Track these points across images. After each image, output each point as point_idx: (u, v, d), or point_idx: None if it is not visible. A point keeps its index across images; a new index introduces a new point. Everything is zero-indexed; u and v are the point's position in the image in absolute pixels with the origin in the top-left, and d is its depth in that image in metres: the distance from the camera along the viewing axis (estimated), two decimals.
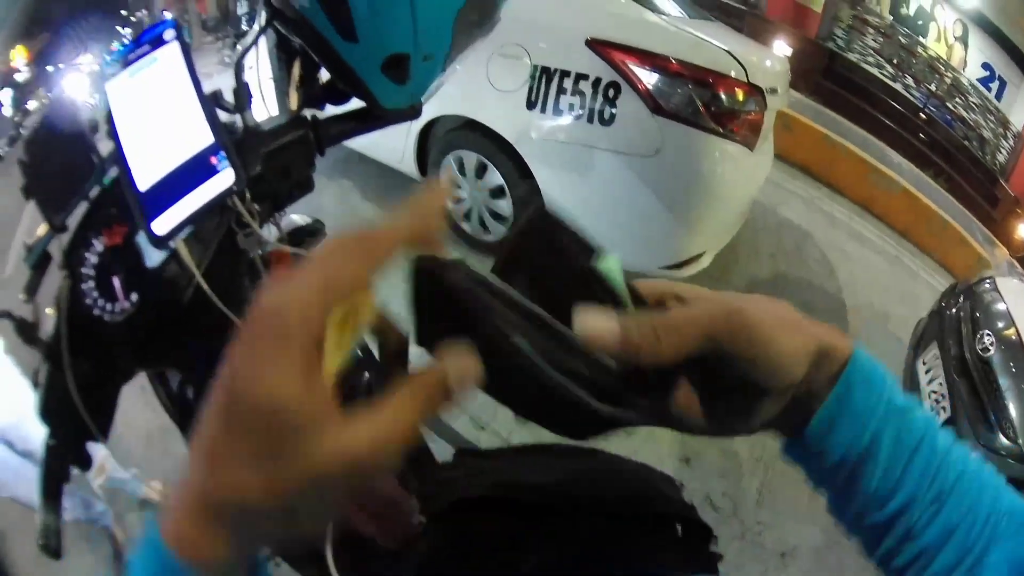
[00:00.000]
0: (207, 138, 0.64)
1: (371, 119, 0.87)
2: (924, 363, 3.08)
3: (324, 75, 0.85)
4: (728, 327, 0.41)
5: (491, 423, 2.65)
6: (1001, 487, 0.46)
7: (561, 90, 2.96)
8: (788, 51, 9.01)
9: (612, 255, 0.45)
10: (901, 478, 0.44)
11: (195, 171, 0.63)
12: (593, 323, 0.40)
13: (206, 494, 0.32)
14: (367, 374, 0.92)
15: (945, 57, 9.12)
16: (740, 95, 2.86)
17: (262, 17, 0.78)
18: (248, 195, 0.68)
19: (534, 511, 0.76)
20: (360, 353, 0.93)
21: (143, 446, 2.50)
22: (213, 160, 0.64)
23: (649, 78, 2.79)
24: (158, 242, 0.61)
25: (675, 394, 0.45)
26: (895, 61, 9.49)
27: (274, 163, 0.76)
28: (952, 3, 8.79)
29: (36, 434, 0.76)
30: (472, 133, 3.38)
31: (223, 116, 0.70)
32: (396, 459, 0.33)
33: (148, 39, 0.65)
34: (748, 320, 0.42)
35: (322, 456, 0.31)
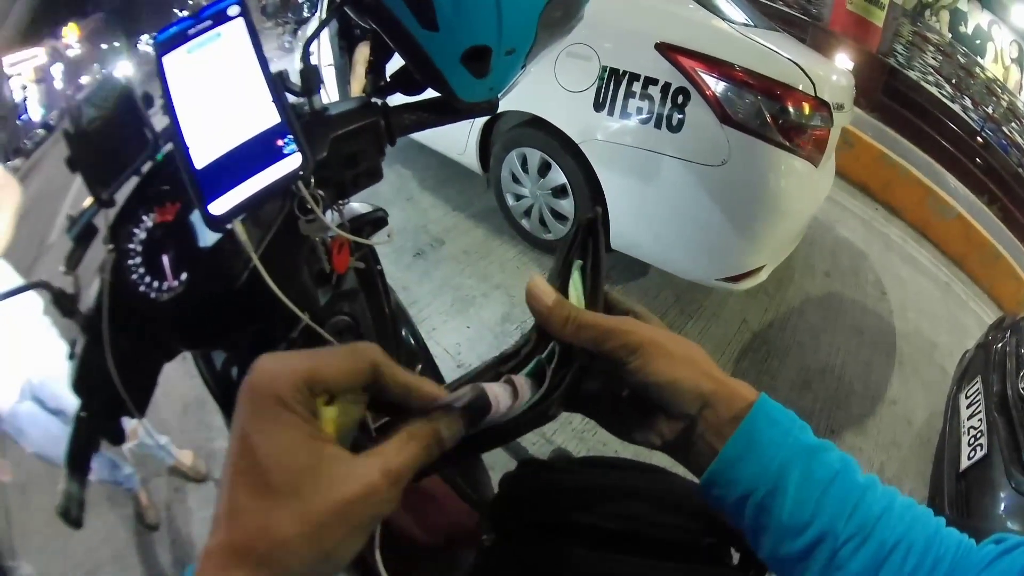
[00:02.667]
0: (272, 119, 0.60)
1: (447, 111, 0.83)
2: (967, 397, 3.00)
3: (394, 63, 0.82)
4: (620, 342, 0.53)
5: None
6: (940, 524, 0.50)
7: (629, 93, 2.92)
8: (849, 65, 8.84)
9: (581, 263, 0.61)
10: (816, 510, 0.48)
11: (258, 152, 0.59)
12: (541, 285, 0.56)
13: (246, 547, 0.35)
14: None
15: (1002, 79, 8.82)
16: (807, 109, 2.79)
17: (326, 1, 0.75)
18: (312, 180, 0.64)
19: (598, 536, 0.77)
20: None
21: (179, 415, 2.52)
22: (279, 142, 0.59)
23: (717, 86, 2.73)
24: (214, 223, 0.57)
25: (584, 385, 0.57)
26: (953, 81, 9.22)
27: (342, 149, 0.73)
28: (1008, 23, 8.51)
29: (67, 392, 0.75)
30: (537, 131, 3.37)
31: (289, 98, 0.67)
32: (400, 489, 0.40)
33: (210, 14, 0.62)
34: (644, 345, 0.53)
35: (341, 488, 0.37)
